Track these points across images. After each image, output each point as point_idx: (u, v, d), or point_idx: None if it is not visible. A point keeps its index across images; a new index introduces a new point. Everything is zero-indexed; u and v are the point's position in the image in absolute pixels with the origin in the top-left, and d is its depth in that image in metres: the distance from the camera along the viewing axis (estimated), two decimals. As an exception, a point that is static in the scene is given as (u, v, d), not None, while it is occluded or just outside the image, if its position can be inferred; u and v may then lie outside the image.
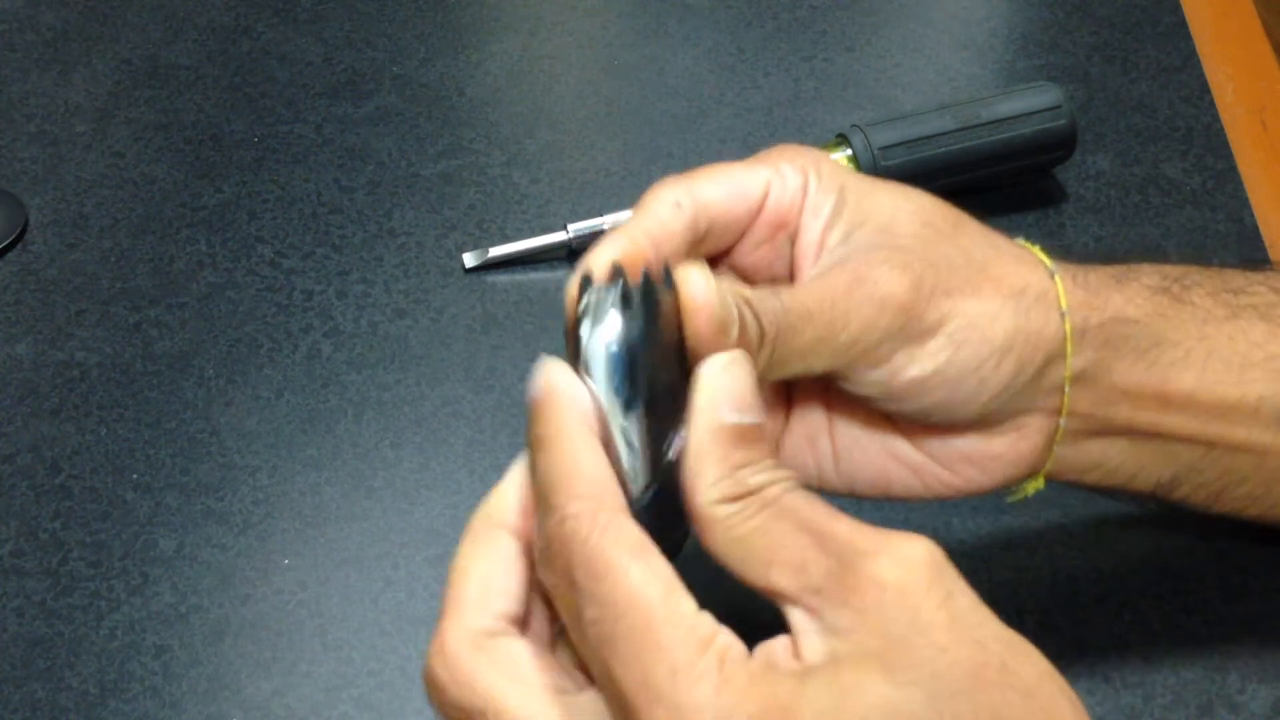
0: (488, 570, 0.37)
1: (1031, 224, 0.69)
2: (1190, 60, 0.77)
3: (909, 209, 0.43)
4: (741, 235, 0.43)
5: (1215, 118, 0.74)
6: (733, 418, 0.35)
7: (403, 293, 0.67)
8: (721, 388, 0.35)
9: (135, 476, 0.59)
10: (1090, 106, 0.75)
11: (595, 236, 0.67)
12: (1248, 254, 0.67)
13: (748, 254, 0.44)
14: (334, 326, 0.65)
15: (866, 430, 0.45)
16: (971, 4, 0.83)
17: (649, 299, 0.36)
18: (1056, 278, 0.44)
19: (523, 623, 0.36)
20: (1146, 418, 0.45)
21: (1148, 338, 0.44)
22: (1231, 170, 0.71)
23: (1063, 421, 0.44)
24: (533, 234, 0.68)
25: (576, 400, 0.36)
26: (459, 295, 0.67)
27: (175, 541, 0.57)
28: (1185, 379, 0.45)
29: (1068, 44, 0.79)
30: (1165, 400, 0.45)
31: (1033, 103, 0.68)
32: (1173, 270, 0.47)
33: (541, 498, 0.35)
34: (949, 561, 0.33)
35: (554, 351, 0.64)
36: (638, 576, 0.33)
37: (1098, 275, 0.45)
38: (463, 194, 0.71)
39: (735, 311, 0.38)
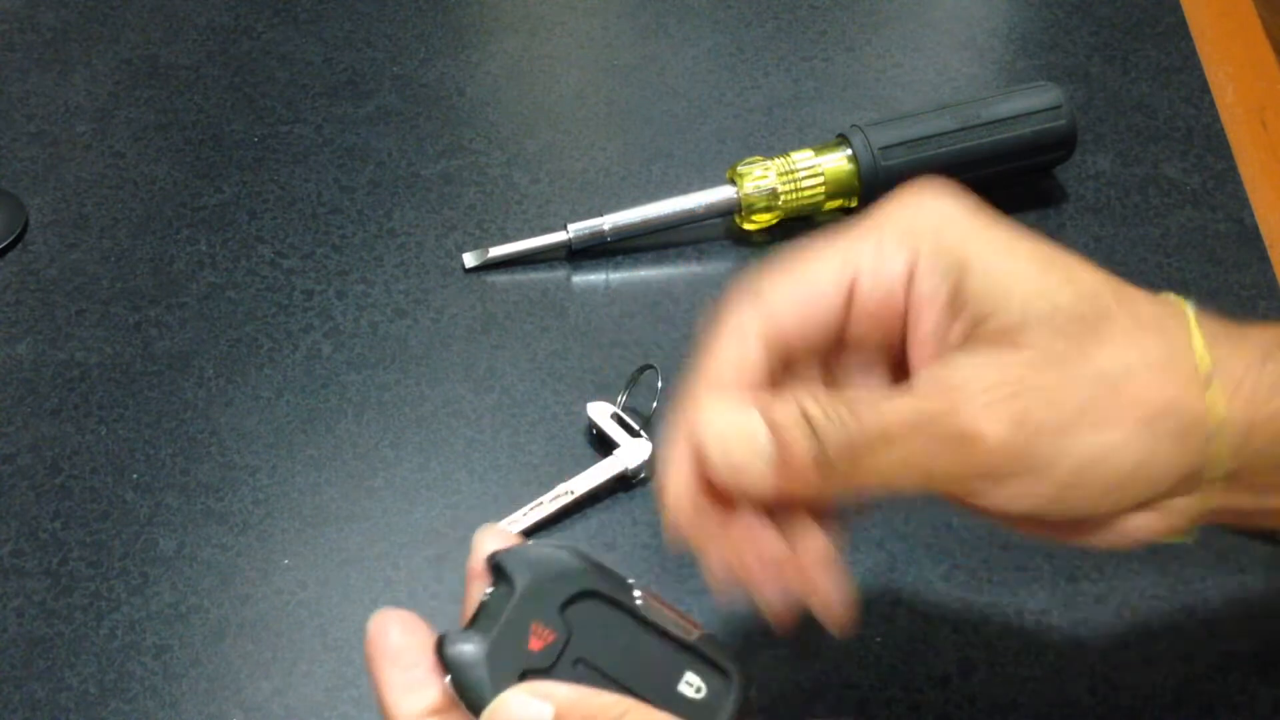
0: None
1: (1031, 224, 0.69)
2: (1190, 60, 0.77)
3: (1042, 308, 0.37)
4: (835, 333, 0.40)
5: (1215, 118, 0.74)
6: None
7: (403, 293, 0.67)
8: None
9: (135, 476, 0.59)
10: (1090, 106, 0.75)
11: (595, 236, 0.67)
12: (1248, 254, 0.67)
13: (857, 341, 0.40)
14: (334, 326, 0.65)
15: None
16: (971, 4, 0.83)
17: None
18: (1214, 386, 0.38)
19: None
20: None
21: None
22: (1231, 170, 0.71)
23: (1210, 504, 0.39)
24: (533, 234, 0.68)
25: None
26: (459, 295, 0.67)
27: (175, 541, 0.57)
28: None
29: (1068, 44, 0.79)
30: None
31: (1033, 103, 0.68)
32: None
33: None
34: None
35: (553, 352, 0.64)
36: None
37: (1276, 379, 0.39)
38: (463, 194, 0.71)
39: (761, 445, 0.36)
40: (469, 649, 0.36)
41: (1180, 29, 0.80)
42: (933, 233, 0.38)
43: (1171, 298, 0.41)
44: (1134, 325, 0.39)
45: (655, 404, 0.60)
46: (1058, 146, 0.69)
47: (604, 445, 0.59)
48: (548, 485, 0.58)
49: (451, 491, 0.59)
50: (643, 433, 0.59)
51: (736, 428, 0.37)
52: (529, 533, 0.57)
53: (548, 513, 0.57)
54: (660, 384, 0.60)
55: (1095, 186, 0.71)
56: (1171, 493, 0.39)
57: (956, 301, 0.38)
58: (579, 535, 0.57)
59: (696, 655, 0.37)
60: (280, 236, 0.69)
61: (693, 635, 0.37)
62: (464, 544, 0.56)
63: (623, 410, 0.60)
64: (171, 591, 0.56)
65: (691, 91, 0.77)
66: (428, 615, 0.54)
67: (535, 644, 0.36)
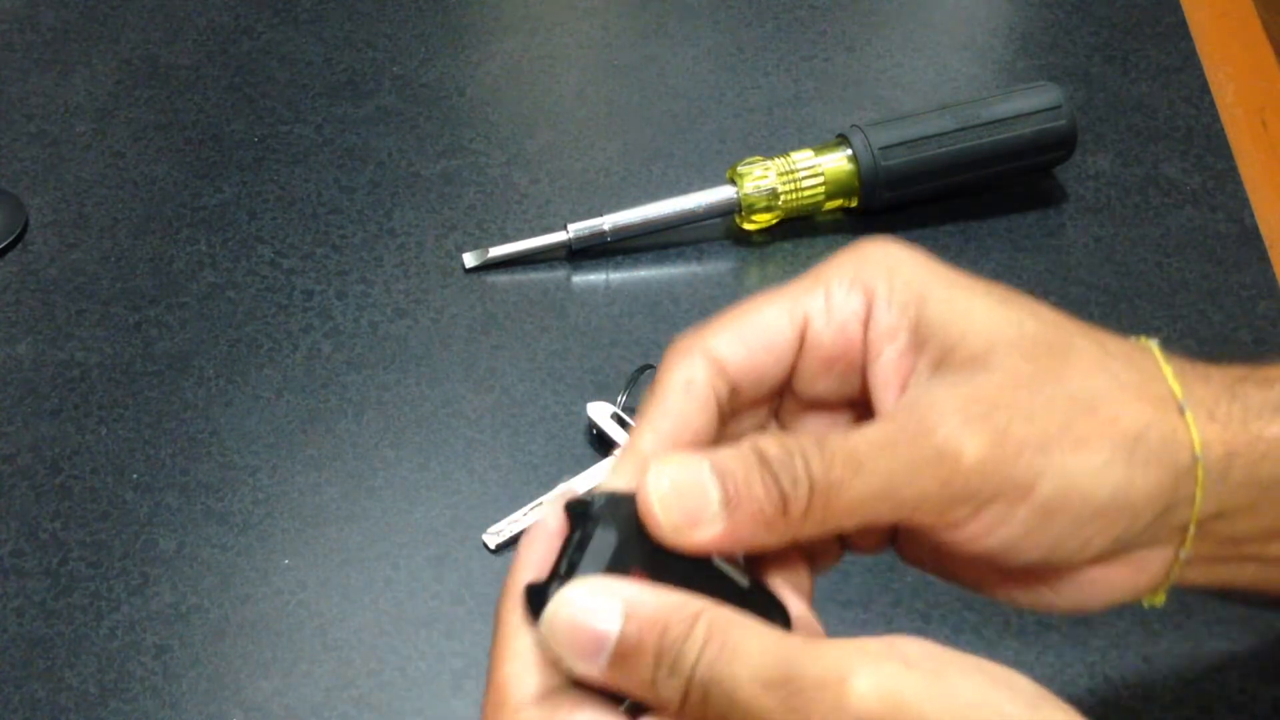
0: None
1: (1031, 224, 0.69)
2: (1190, 60, 0.77)
3: (1009, 334, 0.37)
4: (785, 378, 0.39)
5: (1215, 118, 0.74)
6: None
7: (403, 293, 0.67)
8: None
9: (135, 476, 0.59)
10: (1090, 106, 0.75)
11: (595, 236, 0.67)
12: (1248, 254, 0.67)
13: (807, 389, 0.39)
14: (334, 326, 0.65)
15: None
16: (971, 4, 0.83)
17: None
18: (1188, 414, 0.37)
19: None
20: None
21: None
22: (1231, 170, 0.71)
23: (1184, 554, 0.38)
24: (533, 234, 0.68)
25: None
26: (459, 295, 0.67)
27: (175, 541, 0.57)
28: None
29: (1068, 44, 0.79)
30: None
31: (1033, 103, 0.68)
32: None
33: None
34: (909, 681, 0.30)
35: (553, 352, 0.64)
36: None
37: (1246, 404, 0.38)
38: (463, 194, 0.71)
39: (709, 495, 0.34)
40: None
41: (1180, 29, 0.80)
42: (886, 272, 0.38)
43: (1133, 338, 0.40)
44: (1102, 353, 0.38)
45: (655, 404, 0.60)
46: (1058, 146, 0.69)
47: (604, 445, 0.59)
48: (548, 485, 0.58)
49: (451, 491, 0.59)
50: (643, 433, 0.59)
51: (677, 479, 0.34)
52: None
53: (548, 513, 0.57)
54: (660, 384, 0.60)
55: (1095, 186, 0.71)
56: (1148, 538, 0.38)
57: (918, 335, 0.37)
58: (579, 535, 0.57)
59: (752, 600, 0.36)
60: (280, 236, 0.69)
61: (745, 581, 0.36)
62: (464, 544, 0.57)
63: (623, 410, 0.60)
64: (171, 591, 0.56)
65: (691, 91, 0.77)
66: (427, 616, 0.54)
67: None
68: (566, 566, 0.34)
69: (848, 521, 0.35)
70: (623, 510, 0.34)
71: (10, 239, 0.69)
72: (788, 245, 0.69)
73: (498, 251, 0.68)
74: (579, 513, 0.35)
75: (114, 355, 0.64)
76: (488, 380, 0.63)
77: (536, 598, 0.34)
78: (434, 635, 0.54)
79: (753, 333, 0.38)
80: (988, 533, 0.36)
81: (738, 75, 0.78)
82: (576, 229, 0.67)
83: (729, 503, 0.34)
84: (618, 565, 0.34)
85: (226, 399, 0.62)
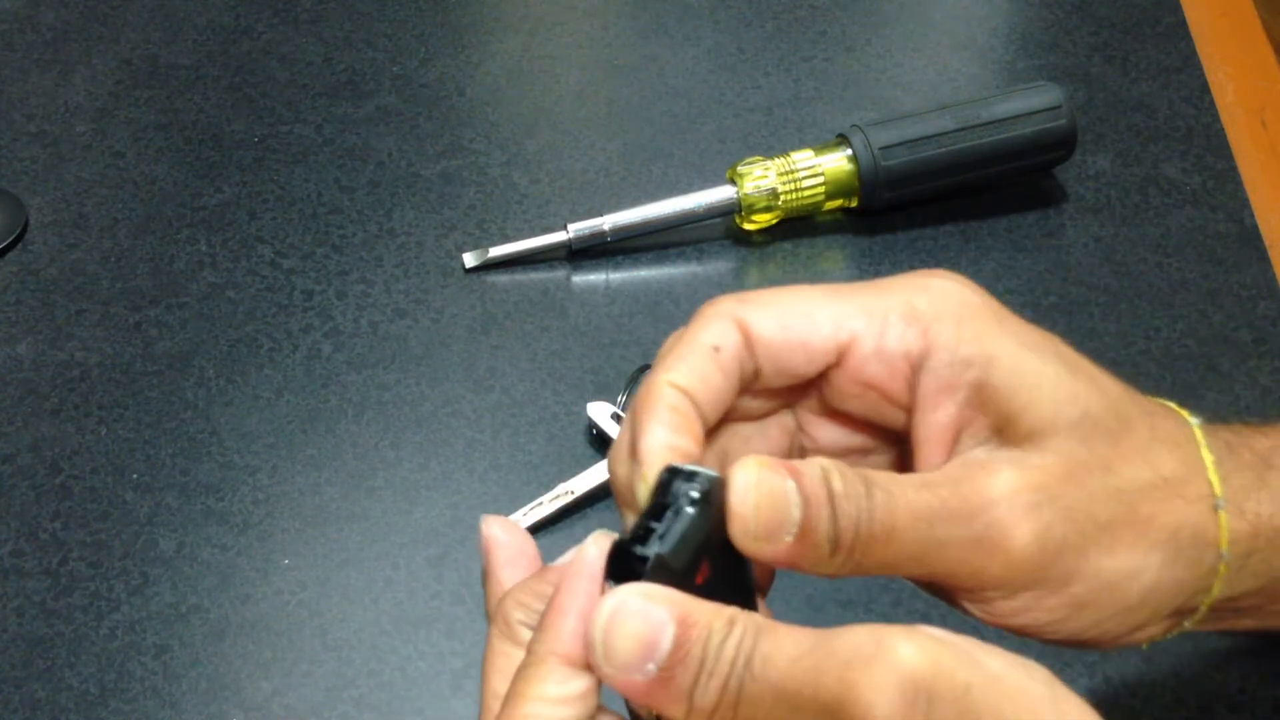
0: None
1: (1031, 224, 0.69)
2: (1190, 60, 0.77)
3: (1071, 415, 0.36)
4: (807, 383, 0.38)
5: (1215, 118, 0.74)
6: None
7: (403, 293, 0.67)
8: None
9: (135, 476, 0.59)
10: (1090, 106, 0.75)
11: (595, 236, 0.67)
12: (1248, 254, 0.67)
13: (835, 401, 0.38)
14: (334, 326, 0.65)
15: None
16: (971, 4, 0.83)
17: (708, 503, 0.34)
18: (1222, 514, 0.37)
19: None
20: None
21: None
22: (1231, 170, 0.71)
23: (1188, 624, 0.39)
24: (533, 234, 0.68)
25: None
26: (459, 295, 0.67)
27: (175, 541, 0.57)
28: None
29: (1068, 44, 0.79)
30: None
31: (1033, 103, 0.68)
32: None
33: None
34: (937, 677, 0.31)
35: (553, 352, 0.64)
36: None
37: (1274, 492, 0.38)
38: (463, 194, 0.71)
39: (792, 516, 0.34)
40: (666, 564, 0.33)
41: (1180, 29, 0.80)
42: (952, 320, 0.36)
43: (1173, 406, 0.40)
44: (1151, 439, 0.37)
45: (655, 404, 0.60)
46: (1058, 146, 0.69)
47: (604, 445, 0.59)
48: (548, 485, 0.58)
49: (451, 491, 0.59)
50: (643, 433, 0.59)
51: (773, 492, 0.34)
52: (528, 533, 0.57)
53: (548, 513, 0.57)
54: (660, 384, 0.60)
55: (1095, 186, 0.71)
56: (1165, 622, 0.38)
57: (980, 396, 0.36)
58: (579, 535, 0.57)
59: (751, 607, 0.36)
60: (280, 236, 0.69)
61: (753, 586, 0.36)
62: (464, 544, 0.57)
63: (623, 410, 0.60)
64: (171, 591, 0.56)
65: (691, 91, 0.77)
66: (427, 616, 0.54)
67: (700, 578, 0.34)
68: (652, 533, 0.33)
69: (873, 573, 0.35)
70: (715, 497, 0.34)
71: (10, 239, 0.69)
72: (788, 245, 0.69)
73: (498, 251, 0.68)
74: (674, 478, 0.34)
75: (114, 355, 0.64)
76: (488, 380, 0.63)
77: (625, 557, 0.33)
78: (434, 635, 0.54)
79: (794, 323, 0.37)
80: (1013, 615, 0.37)
81: (738, 75, 0.78)
82: (576, 229, 0.67)
83: (802, 527, 0.34)
84: (699, 554, 0.34)
85: (226, 399, 0.62)
